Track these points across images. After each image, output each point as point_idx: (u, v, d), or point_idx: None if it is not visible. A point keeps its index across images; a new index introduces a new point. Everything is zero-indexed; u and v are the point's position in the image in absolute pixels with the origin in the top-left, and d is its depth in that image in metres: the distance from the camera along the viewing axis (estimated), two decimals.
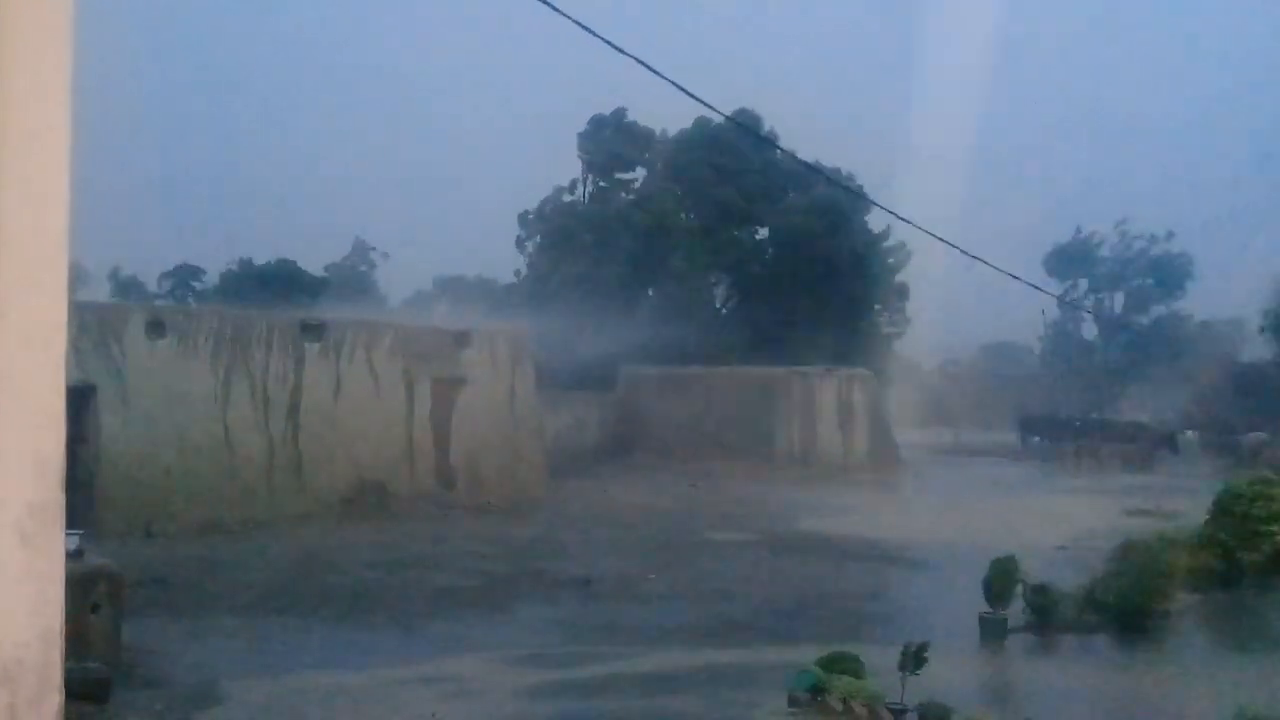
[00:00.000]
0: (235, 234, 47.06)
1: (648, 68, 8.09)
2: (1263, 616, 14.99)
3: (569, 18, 7.21)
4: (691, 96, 8.94)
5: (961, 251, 12.94)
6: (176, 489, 19.60)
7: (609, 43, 7.74)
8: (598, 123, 44.86)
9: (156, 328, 20.26)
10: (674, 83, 8.55)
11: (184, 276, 49.51)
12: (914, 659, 9.23)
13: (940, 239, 12.62)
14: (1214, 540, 15.70)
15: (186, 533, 18.78)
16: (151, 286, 49.92)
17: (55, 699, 2.03)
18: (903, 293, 46.05)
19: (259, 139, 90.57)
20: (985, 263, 13.64)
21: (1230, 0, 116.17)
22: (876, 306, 45.47)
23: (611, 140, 44.52)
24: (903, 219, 11.40)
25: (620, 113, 45.04)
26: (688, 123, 43.13)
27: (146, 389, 19.81)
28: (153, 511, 18.99)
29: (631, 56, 7.89)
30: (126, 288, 48.96)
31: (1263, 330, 20.40)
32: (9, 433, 1.96)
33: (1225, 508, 16.21)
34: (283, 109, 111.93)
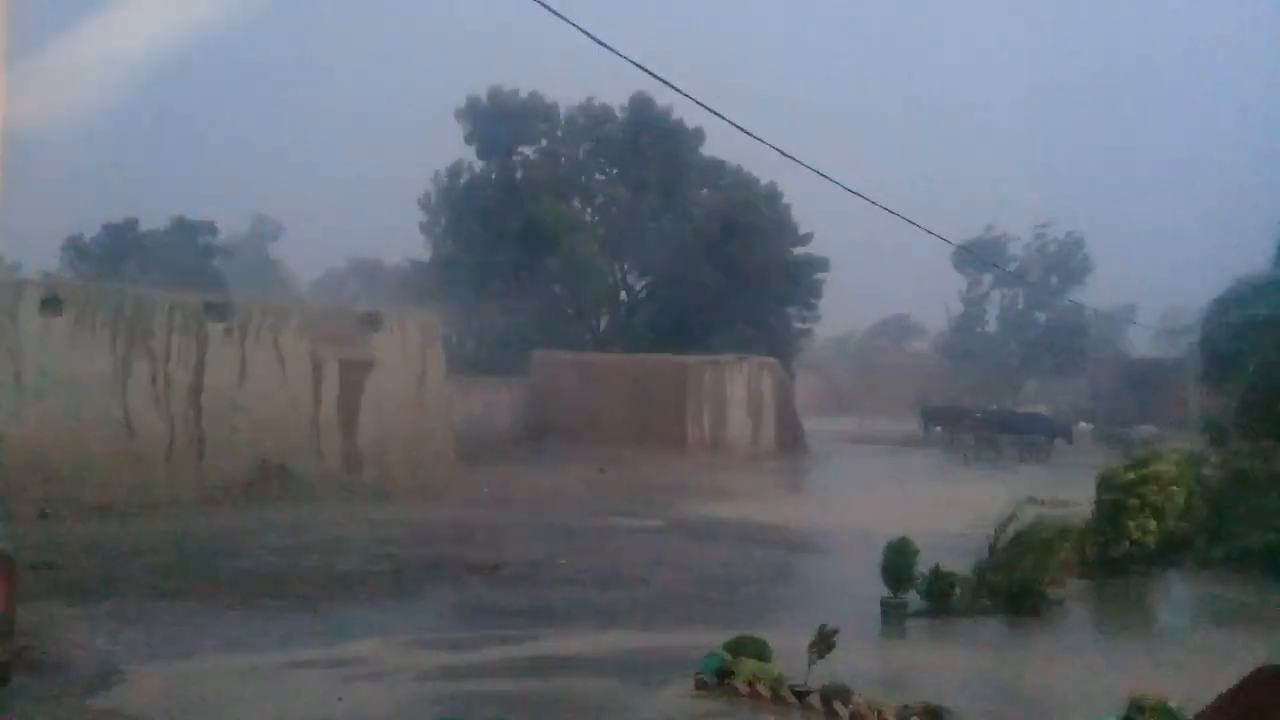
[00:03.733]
0: (134, 216, 45.67)
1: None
2: (1144, 602, 15.67)
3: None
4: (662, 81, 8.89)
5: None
6: (72, 470, 19.05)
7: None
8: (498, 97, 44.22)
9: (53, 304, 19.65)
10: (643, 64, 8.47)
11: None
12: (822, 642, 9.45)
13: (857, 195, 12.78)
14: (1096, 530, 16.30)
15: (82, 515, 18.27)
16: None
17: None
18: (813, 289, 46.32)
19: (165, 121, 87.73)
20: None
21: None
22: (787, 297, 45.80)
23: (513, 119, 44.00)
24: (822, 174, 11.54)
25: (534, 92, 44.65)
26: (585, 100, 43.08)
27: (41, 367, 19.21)
28: (47, 493, 18.44)
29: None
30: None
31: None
32: None
33: (1100, 499, 16.78)
34: (191, 88, 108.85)
